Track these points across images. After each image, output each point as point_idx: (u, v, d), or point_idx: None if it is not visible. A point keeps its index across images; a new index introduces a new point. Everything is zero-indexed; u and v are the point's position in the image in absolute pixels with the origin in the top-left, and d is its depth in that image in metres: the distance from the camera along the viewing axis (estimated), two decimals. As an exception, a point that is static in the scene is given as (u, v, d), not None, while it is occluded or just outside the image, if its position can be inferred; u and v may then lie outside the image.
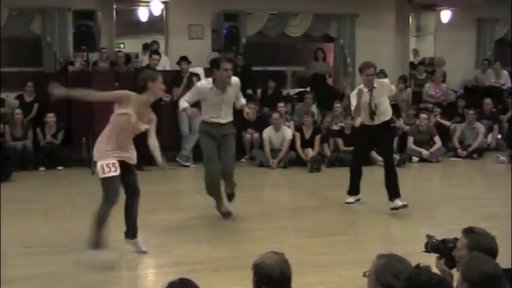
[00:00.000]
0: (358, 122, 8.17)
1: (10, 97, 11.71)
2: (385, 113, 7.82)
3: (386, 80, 8.31)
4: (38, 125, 10.87)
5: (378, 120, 7.74)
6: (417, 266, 2.78)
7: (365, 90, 7.71)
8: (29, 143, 10.64)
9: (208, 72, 11.41)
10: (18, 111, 10.76)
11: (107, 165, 5.56)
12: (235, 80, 7.18)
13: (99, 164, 5.59)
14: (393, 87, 8.18)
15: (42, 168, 10.60)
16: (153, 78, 5.80)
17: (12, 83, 12.53)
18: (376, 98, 7.68)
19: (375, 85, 7.71)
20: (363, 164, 8.25)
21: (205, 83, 7.26)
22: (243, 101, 7.41)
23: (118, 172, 5.60)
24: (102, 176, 5.58)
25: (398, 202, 7.59)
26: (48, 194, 8.94)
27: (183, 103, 7.17)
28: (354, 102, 7.80)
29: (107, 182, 5.61)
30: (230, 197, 7.41)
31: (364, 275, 3.04)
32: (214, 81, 7.08)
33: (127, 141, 5.79)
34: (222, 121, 7.14)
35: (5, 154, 10.03)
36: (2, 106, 11.67)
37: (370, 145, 8.57)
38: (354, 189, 8.11)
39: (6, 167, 9.83)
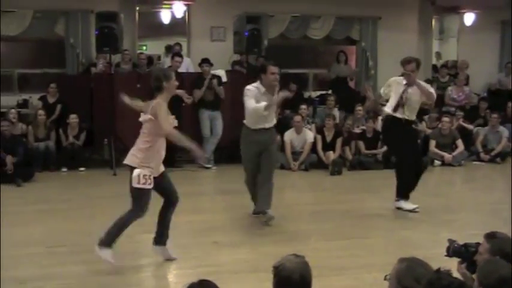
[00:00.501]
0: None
1: (33, 98, 11.82)
2: (413, 113, 7.70)
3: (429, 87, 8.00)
4: (61, 126, 10.95)
5: (404, 115, 7.58)
6: (438, 270, 2.75)
7: (403, 82, 7.57)
8: (52, 144, 10.71)
9: (229, 75, 11.46)
10: (41, 112, 10.85)
11: (144, 176, 5.44)
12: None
13: (136, 173, 5.44)
14: (434, 94, 7.87)
15: (64, 169, 10.68)
16: (168, 78, 5.66)
17: (35, 84, 12.68)
18: (409, 94, 7.52)
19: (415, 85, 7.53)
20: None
21: (253, 85, 7.04)
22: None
23: (152, 185, 5.51)
24: (137, 186, 5.45)
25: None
26: (69, 195, 8.99)
27: (257, 105, 6.83)
28: (386, 90, 7.82)
29: (141, 193, 5.47)
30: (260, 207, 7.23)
31: (385, 279, 3.03)
32: (262, 84, 6.98)
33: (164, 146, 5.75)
34: (267, 125, 7.10)
35: (28, 155, 10.12)
36: (25, 107, 11.79)
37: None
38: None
39: (29, 168, 9.94)
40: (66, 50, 12.22)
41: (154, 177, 5.53)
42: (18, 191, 9.17)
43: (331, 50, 14.39)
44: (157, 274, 5.80)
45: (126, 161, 5.59)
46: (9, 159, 9.59)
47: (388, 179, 10.69)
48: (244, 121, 7.18)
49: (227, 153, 11.56)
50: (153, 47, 14.52)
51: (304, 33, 13.65)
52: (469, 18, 14.54)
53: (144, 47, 14.18)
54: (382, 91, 8.02)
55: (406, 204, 7.75)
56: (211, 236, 6.73)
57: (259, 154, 7.15)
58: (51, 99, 11.45)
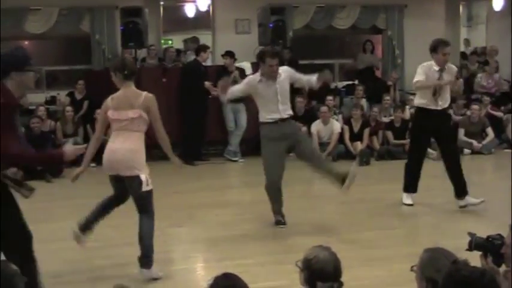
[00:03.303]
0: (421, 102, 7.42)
1: (61, 95, 11.93)
2: (447, 99, 7.41)
3: (454, 66, 7.70)
4: (88, 122, 11.03)
5: (438, 105, 7.26)
6: (455, 261, 2.71)
7: (435, 68, 7.26)
8: (80, 140, 10.79)
9: (255, 67, 11.42)
10: (69, 108, 10.94)
11: (147, 176, 5.20)
12: (284, 69, 6.89)
13: (144, 177, 5.16)
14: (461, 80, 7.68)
15: (93, 164, 10.64)
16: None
17: (62, 80, 12.80)
18: (443, 80, 7.24)
19: (445, 66, 7.30)
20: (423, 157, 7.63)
21: (254, 76, 6.95)
22: (307, 77, 6.91)
23: None
24: (147, 188, 5.18)
25: (470, 199, 7.31)
26: (98, 190, 8.96)
27: (230, 92, 6.87)
28: (420, 77, 7.23)
29: (150, 194, 5.26)
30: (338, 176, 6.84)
31: (411, 269, 3.00)
32: (262, 74, 6.80)
33: None
34: (283, 115, 6.72)
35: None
36: (53, 104, 11.90)
37: (429, 136, 7.66)
38: (411, 187, 7.62)
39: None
40: (92, 46, 12.30)
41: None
42: (48, 186, 9.26)
43: (357, 40, 14.28)
44: (185, 267, 5.82)
45: (128, 173, 5.20)
46: (39, 156, 9.67)
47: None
48: (259, 119, 6.85)
49: (254, 146, 11.55)
50: (178, 41, 14.56)
51: (329, 24, 13.54)
52: (497, 3, 14.24)
53: (170, 41, 14.21)
54: (416, 81, 7.38)
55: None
56: (238, 228, 6.73)
57: (287, 150, 6.86)
58: (78, 96, 11.55)
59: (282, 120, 6.74)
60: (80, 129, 10.94)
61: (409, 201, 7.58)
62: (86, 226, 5.51)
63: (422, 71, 7.32)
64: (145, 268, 5.25)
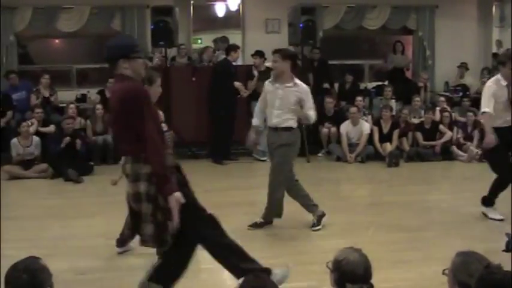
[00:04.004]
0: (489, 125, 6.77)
1: (91, 93, 12.02)
2: None
3: None
4: (118, 120, 11.08)
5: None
6: (488, 265, 2.67)
7: (502, 83, 6.74)
8: (109, 138, 10.86)
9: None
10: (99, 106, 11.01)
11: None
12: (304, 87, 6.48)
13: None
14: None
15: (122, 162, 10.81)
16: (150, 82, 5.03)
17: (93, 79, 12.91)
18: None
19: None
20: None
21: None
22: (309, 112, 6.44)
23: None
24: None
25: (493, 213, 7.12)
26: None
27: (254, 118, 6.73)
28: (488, 108, 6.67)
29: None
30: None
31: (443, 273, 2.97)
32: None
33: None
34: (274, 121, 6.42)
35: (87, 149, 10.37)
36: (83, 102, 12.00)
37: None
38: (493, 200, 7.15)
39: (88, 162, 10.15)
40: (122, 45, 12.37)
41: None
42: (78, 184, 9.34)
43: (387, 40, 14.18)
44: (212, 266, 5.78)
45: None
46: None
47: (446, 170, 10.49)
48: None
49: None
50: (208, 41, 14.59)
51: (359, 24, 13.47)
52: (531, 4, 14.07)
53: (199, 41, 14.25)
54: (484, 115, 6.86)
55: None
56: (267, 228, 6.71)
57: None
58: (108, 94, 11.60)
59: (273, 129, 6.52)
60: (109, 127, 11.00)
61: (498, 216, 7.03)
62: None
63: (490, 95, 6.77)
64: None
